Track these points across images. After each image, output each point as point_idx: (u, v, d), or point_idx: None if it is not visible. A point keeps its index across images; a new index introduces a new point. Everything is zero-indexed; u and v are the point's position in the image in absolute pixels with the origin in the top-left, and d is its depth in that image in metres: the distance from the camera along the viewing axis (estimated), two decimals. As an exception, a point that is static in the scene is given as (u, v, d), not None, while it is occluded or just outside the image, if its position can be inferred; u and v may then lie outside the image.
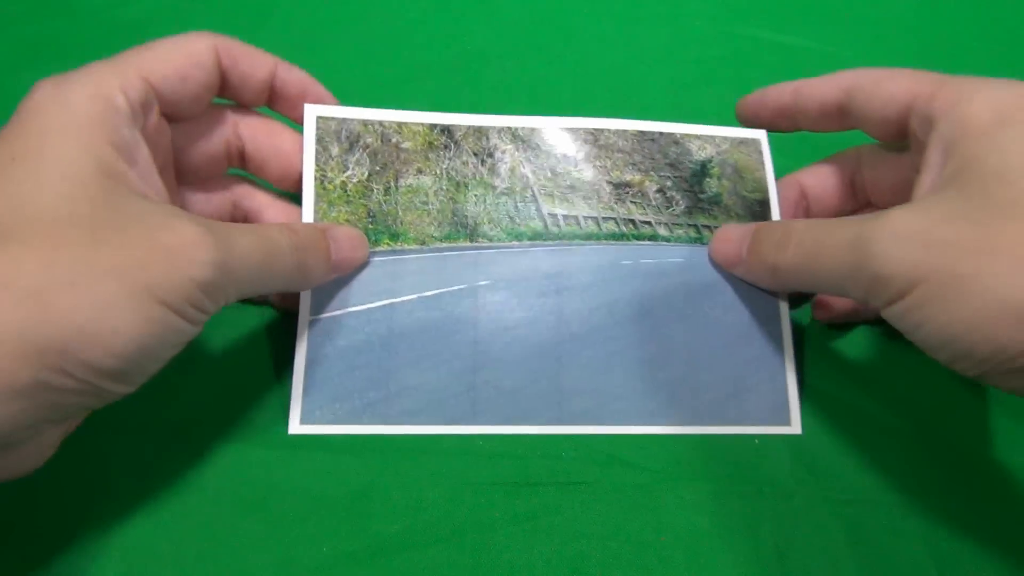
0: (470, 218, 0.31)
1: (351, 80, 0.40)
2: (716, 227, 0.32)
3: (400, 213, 0.31)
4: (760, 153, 0.33)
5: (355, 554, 0.26)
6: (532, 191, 0.32)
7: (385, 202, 0.31)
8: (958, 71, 0.41)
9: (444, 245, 0.31)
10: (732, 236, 0.30)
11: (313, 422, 0.28)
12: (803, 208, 0.32)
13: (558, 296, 0.31)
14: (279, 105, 0.30)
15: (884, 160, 0.30)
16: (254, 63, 0.28)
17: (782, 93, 0.31)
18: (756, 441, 0.29)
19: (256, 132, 0.29)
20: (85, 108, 0.23)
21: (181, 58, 0.26)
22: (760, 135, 0.33)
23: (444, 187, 0.31)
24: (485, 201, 0.31)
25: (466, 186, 0.31)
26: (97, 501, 0.27)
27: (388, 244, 0.30)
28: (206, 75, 0.27)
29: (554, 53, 0.42)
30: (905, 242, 0.23)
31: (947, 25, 0.44)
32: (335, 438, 0.28)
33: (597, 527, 0.27)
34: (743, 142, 0.33)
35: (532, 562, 0.26)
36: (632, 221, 0.32)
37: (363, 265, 0.30)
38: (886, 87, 0.27)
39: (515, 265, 0.31)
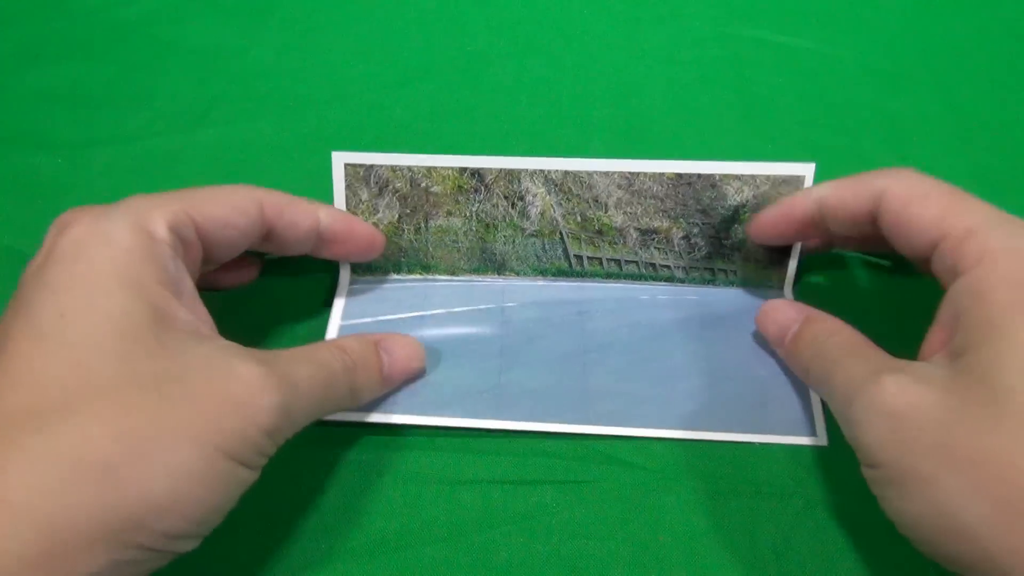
0: (498, 255, 0.33)
1: (351, 82, 0.41)
2: (732, 270, 0.33)
3: (431, 249, 0.32)
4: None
5: (352, 551, 0.26)
6: (561, 234, 0.32)
7: (416, 240, 0.32)
8: (957, 71, 0.42)
9: (473, 276, 0.33)
10: (780, 319, 0.29)
11: None
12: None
13: (580, 316, 0.32)
14: (325, 250, 0.30)
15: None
16: (297, 214, 0.28)
17: (806, 204, 0.28)
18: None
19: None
20: (129, 244, 0.22)
21: (226, 204, 0.26)
22: (807, 171, 0.31)
23: (474, 228, 0.32)
24: (514, 242, 0.33)
25: (495, 227, 0.32)
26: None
27: (420, 273, 0.33)
28: (249, 224, 0.26)
29: (554, 54, 0.42)
30: (882, 419, 0.22)
31: (947, 25, 0.44)
32: (334, 434, 0.28)
33: (595, 527, 0.27)
34: (785, 181, 0.31)
35: (530, 561, 0.26)
36: (653, 265, 0.33)
37: (393, 288, 0.32)
38: (915, 216, 0.25)
39: (539, 294, 0.33)
